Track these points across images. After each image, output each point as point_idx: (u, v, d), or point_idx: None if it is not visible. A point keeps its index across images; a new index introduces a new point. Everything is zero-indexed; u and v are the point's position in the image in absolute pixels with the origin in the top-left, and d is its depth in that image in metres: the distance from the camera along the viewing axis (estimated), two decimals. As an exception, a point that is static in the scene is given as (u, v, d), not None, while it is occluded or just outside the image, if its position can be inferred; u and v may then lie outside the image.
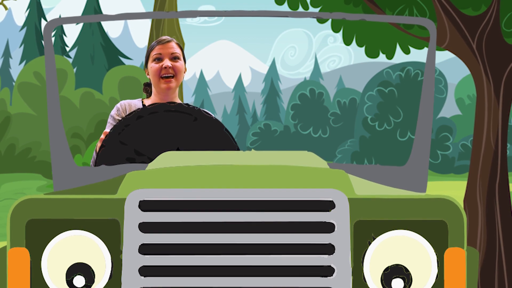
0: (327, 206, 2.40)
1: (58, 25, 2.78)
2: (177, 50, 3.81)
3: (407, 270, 2.39)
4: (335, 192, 2.40)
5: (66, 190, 2.73)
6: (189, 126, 3.23)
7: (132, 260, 2.38)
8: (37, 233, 2.40)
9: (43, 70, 19.45)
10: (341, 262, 2.38)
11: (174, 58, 3.79)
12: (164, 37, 3.83)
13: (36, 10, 29.24)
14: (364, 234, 2.41)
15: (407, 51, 10.45)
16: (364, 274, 2.40)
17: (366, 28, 10.18)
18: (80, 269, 2.38)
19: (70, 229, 2.40)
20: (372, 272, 2.40)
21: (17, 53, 31.03)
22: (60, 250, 2.40)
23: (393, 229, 2.41)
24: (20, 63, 29.47)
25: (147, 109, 3.26)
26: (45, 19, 29.87)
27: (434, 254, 2.41)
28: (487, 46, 9.12)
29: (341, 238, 2.39)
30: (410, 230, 2.41)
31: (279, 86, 37.34)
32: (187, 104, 3.32)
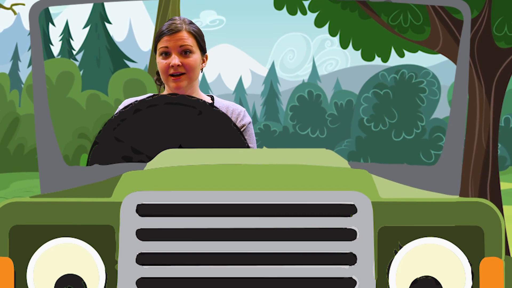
0: (348, 210, 2.05)
1: (43, 8, 2.44)
2: (188, 41, 3.10)
3: (437, 282, 2.05)
4: (357, 195, 2.05)
5: (55, 193, 2.39)
6: (193, 121, 2.81)
7: (129, 271, 2.04)
8: (22, 241, 2.06)
9: (51, 73, 19.37)
10: (363, 274, 2.04)
11: (185, 52, 3.10)
12: (174, 23, 3.13)
13: (44, 15, 29.07)
14: (389, 242, 2.06)
15: (401, 55, 10.34)
16: (390, 287, 2.06)
17: (362, 32, 10.08)
18: (71, 281, 2.05)
19: (59, 237, 2.06)
20: (399, 285, 2.05)
21: (25, 56, 31.15)
22: (48, 260, 2.06)
23: (422, 237, 2.06)
24: (29, 66, 29.49)
25: (145, 101, 2.83)
26: (53, 24, 29.79)
27: (468, 264, 2.06)
28: (479, 49, 9.05)
29: (364, 247, 2.04)
30: (441, 238, 2.06)
31: (278, 88, 37.26)
32: (190, 96, 2.88)
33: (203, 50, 3.19)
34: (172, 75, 3.12)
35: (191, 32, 3.14)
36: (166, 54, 3.13)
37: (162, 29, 3.14)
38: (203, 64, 3.20)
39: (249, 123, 3.21)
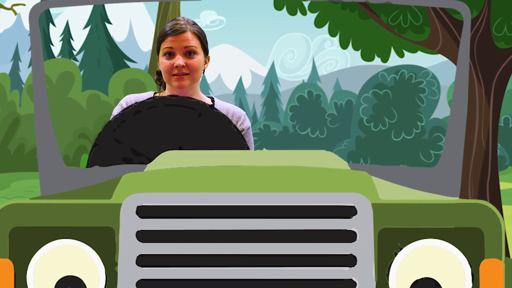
0: (348, 212, 2.04)
1: (43, 10, 2.42)
2: (193, 42, 3.09)
3: (437, 284, 2.04)
4: (357, 197, 2.04)
5: (55, 194, 2.37)
6: (193, 122, 2.80)
7: (129, 272, 2.03)
8: (22, 243, 2.05)
9: (51, 73, 19.36)
10: (363, 275, 2.03)
11: (189, 53, 3.09)
12: (178, 24, 3.11)
13: (44, 15, 29.03)
14: (389, 243, 2.06)
15: (401, 55, 10.32)
16: (390, 288, 2.05)
17: (362, 33, 10.07)
18: (71, 282, 2.04)
19: (59, 238, 2.05)
20: (399, 286, 2.05)
21: (26, 56, 31.13)
22: (48, 262, 2.05)
23: (422, 238, 2.06)
24: (29, 66, 29.47)
25: (145, 103, 2.82)
26: (53, 24, 29.76)
27: (468, 266, 2.05)
28: (479, 49, 9.04)
29: (364, 248, 2.03)
30: (441, 239, 2.06)
31: (278, 88, 37.18)
32: (190, 97, 2.86)
33: (206, 51, 3.18)
34: (175, 75, 3.11)
35: (196, 33, 3.13)
36: (170, 55, 3.11)
37: (166, 29, 3.13)
38: (205, 65, 3.20)
39: (248, 128, 3.21)
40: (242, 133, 3.19)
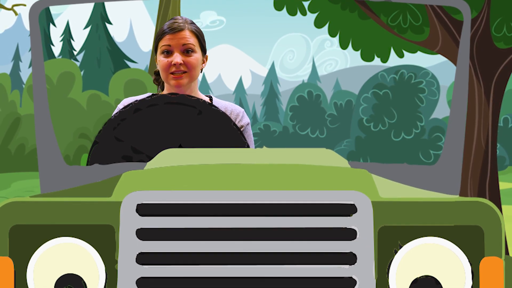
0: (348, 210, 2.04)
1: (43, 8, 2.42)
2: (191, 40, 3.09)
3: (437, 282, 2.03)
4: (357, 195, 2.04)
5: (55, 192, 2.37)
6: (193, 120, 2.79)
7: (129, 270, 2.03)
8: (22, 241, 2.05)
9: (52, 73, 19.37)
10: (363, 273, 2.02)
11: (187, 51, 3.08)
12: (176, 22, 3.11)
13: (45, 16, 29.05)
14: (389, 241, 2.05)
15: (401, 55, 10.32)
16: (390, 286, 2.04)
17: (362, 33, 10.07)
18: (71, 280, 2.03)
19: (59, 236, 2.05)
20: (399, 284, 2.04)
21: (26, 56, 31.20)
22: (48, 260, 2.04)
23: (422, 236, 2.05)
24: (30, 66, 29.51)
25: (145, 101, 2.81)
26: (54, 24, 29.78)
27: (468, 263, 2.05)
28: (478, 50, 9.04)
29: (364, 246, 2.03)
30: (441, 237, 2.05)
31: (278, 89, 37.22)
32: (190, 95, 2.86)
33: (204, 50, 3.18)
34: (173, 73, 3.10)
35: (193, 31, 3.12)
36: (168, 53, 3.10)
37: (163, 27, 3.13)
38: (203, 64, 3.19)
39: (248, 124, 3.21)
40: (242, 129, 3.19)
